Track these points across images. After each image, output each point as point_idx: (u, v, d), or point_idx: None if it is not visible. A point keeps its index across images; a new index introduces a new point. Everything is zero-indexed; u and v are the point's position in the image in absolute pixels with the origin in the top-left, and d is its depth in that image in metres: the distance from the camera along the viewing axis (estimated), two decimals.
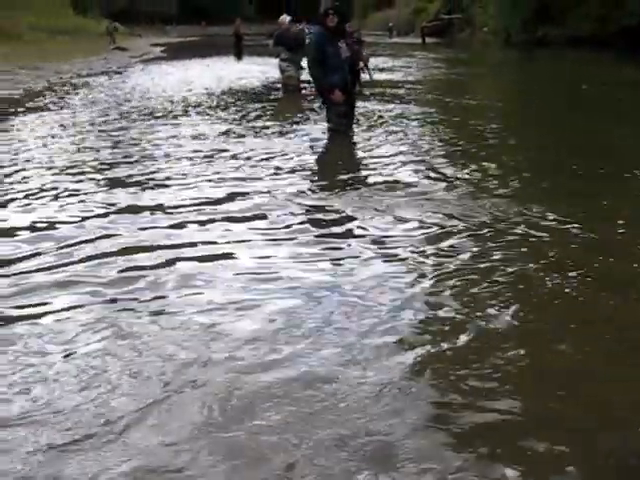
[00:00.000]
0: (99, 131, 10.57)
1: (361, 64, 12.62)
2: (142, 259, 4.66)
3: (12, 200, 6.38)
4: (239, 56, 28.86)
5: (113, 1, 74.84)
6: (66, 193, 6.58)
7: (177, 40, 56.25)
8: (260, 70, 21.14)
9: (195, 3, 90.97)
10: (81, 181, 7.16)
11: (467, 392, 3.01)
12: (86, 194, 6.53)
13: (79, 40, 34.85)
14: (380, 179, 6.89)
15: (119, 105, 13.96)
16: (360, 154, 8.38)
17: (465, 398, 2.96)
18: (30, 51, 25.17)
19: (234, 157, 8.19)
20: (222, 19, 68.94)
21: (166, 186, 6.83)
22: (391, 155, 8.12)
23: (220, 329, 3.61)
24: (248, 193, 6.41)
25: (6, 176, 7.38)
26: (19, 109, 13.49)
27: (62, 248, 4.93)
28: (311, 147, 8.72)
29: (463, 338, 3.46)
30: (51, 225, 5.54)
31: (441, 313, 3.76)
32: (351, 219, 5.53)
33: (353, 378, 3.09)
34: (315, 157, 8.35)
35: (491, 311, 3.75)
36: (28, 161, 8.26)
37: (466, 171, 7.24)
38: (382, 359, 3.26)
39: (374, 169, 7.42)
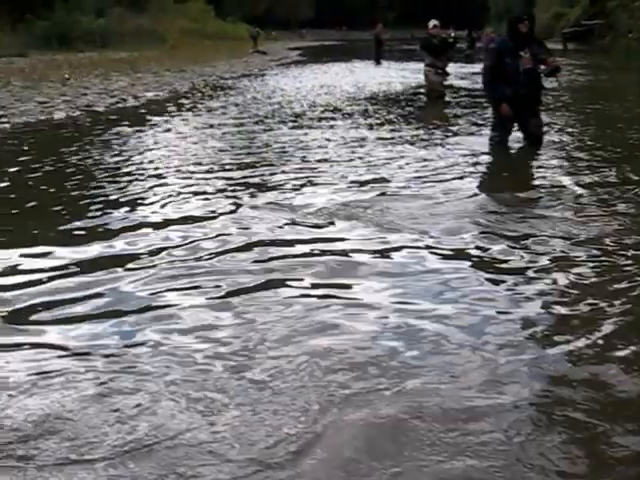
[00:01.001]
0: (238, 132, 10.62)
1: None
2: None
3: (148, 200, 6.40)
4: (378, 61, 28.74)
5: (252, 6, 76.52)
6: (201, 194, 6.56)
7: (314, 44, 56.75)
8: (400, 75, 20.85)
9: (333, 7, 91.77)
10: (216, 180, 7.16)
11: None
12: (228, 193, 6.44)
13: (221, 44, 35.65)
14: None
15: (259, 107, 14.02)
16: (524, 165, 7.90)
17: None
18: (177, 54, 25.92)
19: (386, 164, 7.90)
20: (361, 23, 69.16)
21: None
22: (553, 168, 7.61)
23: None
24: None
25: (143, 177, 7.46)
26: (163, 110, 13.79)
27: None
28: (475, 164, 8.08)
29: None
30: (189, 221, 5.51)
31: None
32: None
33: None
34: (481, 170, 7.82)
35: None
36: (164, 159, 8.42)
37: None
38: None
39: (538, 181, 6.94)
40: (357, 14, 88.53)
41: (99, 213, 5.96)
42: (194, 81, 20.02)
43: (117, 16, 34.32)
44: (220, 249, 4.79)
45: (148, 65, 22.24)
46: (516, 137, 8.52)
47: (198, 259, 4.61)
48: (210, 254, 4.70)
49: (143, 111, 13.87)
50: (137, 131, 11.15)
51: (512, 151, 8.47)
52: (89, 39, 28.95)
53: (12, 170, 8.12)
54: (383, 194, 6.38)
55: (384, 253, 4.70)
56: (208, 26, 41.79)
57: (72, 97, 14.74)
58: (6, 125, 11.90)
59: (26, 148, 9.89)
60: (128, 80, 18.30)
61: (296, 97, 15.87)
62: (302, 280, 4.24)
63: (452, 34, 15.81)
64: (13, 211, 6.19)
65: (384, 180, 6.97)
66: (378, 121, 11.66)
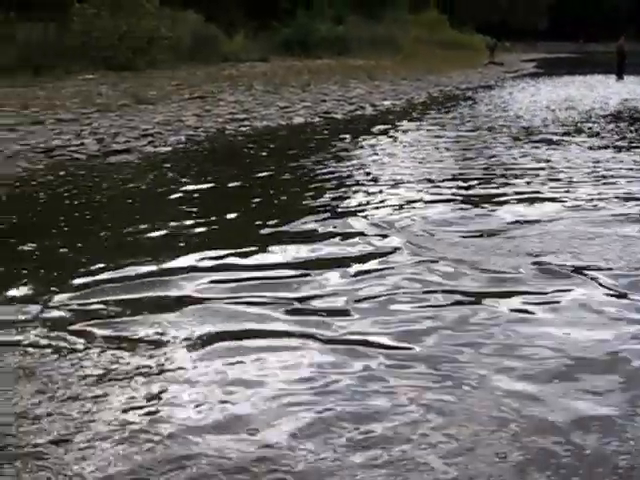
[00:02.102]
0: (473, 146, 10.21)
1: None
2: None
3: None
4: (620, 75, 26.65)
5: (485, 16, 75.02)
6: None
7: (549, 56, 54.42)
8: None
9: (568, 19, 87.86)
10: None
11: None
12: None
13: (455, 53, 34.95)
14: None
15: (495, 119, 13.31)
16: None
17: None
18: (411, 63, 25.60)
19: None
20: (597, 35, 65.52)
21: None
22: None
23: None
24: None
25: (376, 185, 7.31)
26: (399, 120, 13.39)
27: None
28: None
29: None
30: None
31: None
32: None
33: None
34: None
35: None
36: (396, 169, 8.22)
37: None
38: None
39: None
40: (593, 26, 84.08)
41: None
42: (430, 91, 19.54)
43: (354, 24, 34.67)
44: None
45: (384, 73, 22.04)
46: None
47: None
48: None
49: (380, 120, 13.57)
50: (372, 140, 10.94)
51: None
52: (327, 46, 29.35)
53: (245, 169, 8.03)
54: None
55: None
56: (442, 35, 41.23)
57: (312, 103, 14.75)
58: (248, 128, 11.99)
59: (264, 154, 9.85)
60: (365, 88, 18.15)
61: (533, 111, 14.89)
62: None
63: None
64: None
65: None
66: (630, 143, 10.50)
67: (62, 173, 8.44)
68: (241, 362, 3.36)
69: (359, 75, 20.79)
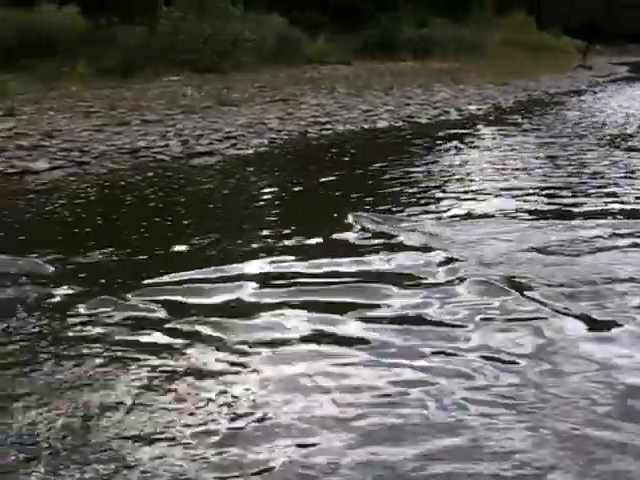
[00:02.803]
0: (561, 153, 9.87)
1: None
2: None
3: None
4: None
5: (573, 18, 73.12)
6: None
7: None
8: None
9: None
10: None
11: None
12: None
13: (541, 56, 34.07)
14: None
15: (587, 126, 12.87)
16: None
17: None
18: (497, 66, 25.04)
19: None
20: None
21: None
22: None
23: None
24: None
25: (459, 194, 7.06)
26: (485, 125, 13.07)
27: None
28: None
29: None
30: None
31: None
32: None
33: None
34: None
35: None
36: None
37: None
38: None
39: None
40: None
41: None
42: (517, 95, 19.05)
43: (438, 26, 34.22)
44: None
45: (469, 76, 21.61)
46: None
47: None
48: None
49: (465, 125, 13.26)
50: (457, 146, 10.70)
51: None
52: (411, 49, 29.02)
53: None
54: None
55: None
56: (529, 37, 40.27)
57: (395, 107, 14.55)
58: (330, 132, 11.89)
59: (347, 159, 9.74)
60: (450, 91, 17.82)
61: (627, 118, 14.34)
62: None
63: None
64: None
65: None
66: None
67: (149, 174, 8.51)
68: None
69: (443, 78, 20.44)
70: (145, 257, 5.29)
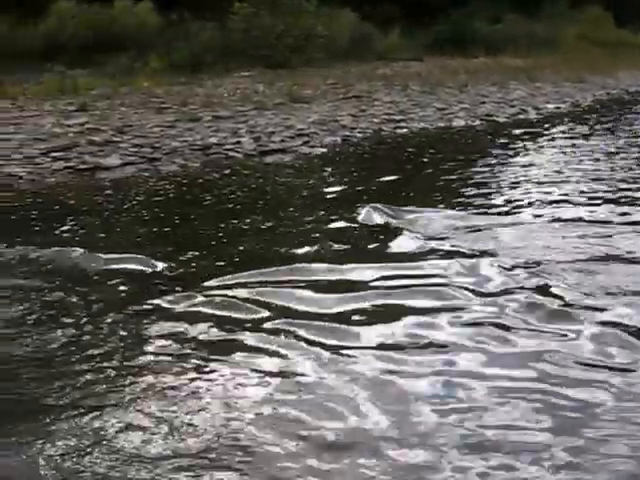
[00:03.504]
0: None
1: None
2: None
3: None
4: None
5: None
6: None
7: None
8: None
9: None
10: None
11: None
12: None
13: (619, 53, 33.02)
14: None
15: None
16: None
17: None
18: (572, 62, 24.30)
19: None
20: None
21: None
22: None
23: None
24: None
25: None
26: (563, 125, 12.55)
27: None
28: None
29: None
30: None
31: None
32: None
33: None
34: None
35: None
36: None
37: None
38: None
39: None
40: None
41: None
42: (595, 93, 18.36)
43: (511, 22, 33.46)
44: None
45: (544, 73, 20.93)
46: None
47: None
48: None
49: (544, 124, 12.78)
50: (536, 147, 10.39)
51: None
52: (483, 45, 28.40)
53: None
54: None
55: None
56: (606, 33, 39.09)
57: (470, 105, 14.11)
58: (404, 130, 11.56)
59: (424, 160, 9.40)
60: (526, 89, 17.24)
61: None
62: None
63: None
64: None
65: None
66: None
67: (226, 172, 8.35)
68: None
69: (518, 75, 19.83)
70: (225, 258, 5.18)
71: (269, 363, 3.46)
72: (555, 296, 4.19)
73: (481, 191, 7.37)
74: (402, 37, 25.68)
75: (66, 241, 5.56)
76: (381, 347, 3.63)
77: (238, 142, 9.84)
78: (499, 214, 6.36)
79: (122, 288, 4.54)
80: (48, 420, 2.94)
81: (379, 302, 4.26)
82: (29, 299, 4.27)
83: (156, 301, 4.26)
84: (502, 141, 10.85)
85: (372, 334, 3.78)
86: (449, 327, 3.85)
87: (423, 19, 28.91)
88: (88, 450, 2.70)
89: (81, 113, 11.41)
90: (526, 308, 4.04)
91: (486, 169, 8.65)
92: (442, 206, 6.68)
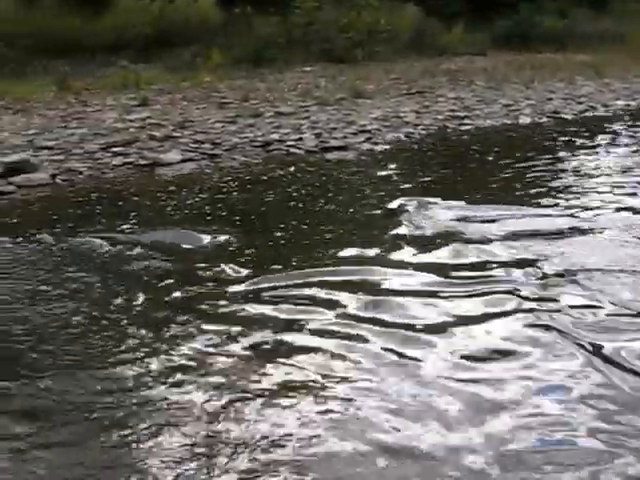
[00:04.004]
0: None
1: None
2: None
3: None
4: None
5: None
6: None
7: None
8: None
9: None
10: None
11: None
12: None
13: None
14: None
15: None
16: None
17: None
18: None
19: None
20: None
21: None
22: None
23: None
24: None
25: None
26: (631, 123, 12.05)
27: None
28: None
29: None
30: None
31: None
32: None
33: None
34: None
35: None
36: None
37: None
38: None
39: None
40: None
41: None
42: None
43: (578, 17, 32.65)
44: None
45: (612, 69, 20.28)
46: None
47: None
48: None
49: (614, 122, 12.30)
50: (605, 147, 9.94)
51: None
52: (549, 40, 27.74)
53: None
54: None
55: None
56: None
57: (537, 101, 13.70)
58: (469, 127, 11.25)
59: (490, 158, 9.10)
60: (594, 86, 16.69)
61: None
62: None
63: None
64: None
65: None
66: None
67: (291, 169, 8.22)
68: None
69: (585, 71, 19.25)
70: (290, 256, 5.13)
71: (340, 366, 3.45)
72: None
73: (546, 191, 7.14)
74: (466, 32, 25.24)
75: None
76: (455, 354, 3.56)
77: (300, 138, 9.69)
78: (561, 216, 6.07)
79: None
80: None
81: (447, 307, 4.15)
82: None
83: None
84: (569, 139, 10.46)
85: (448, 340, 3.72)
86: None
87: (487, 13, 28.39)
88: None
89: (143, 108, 11.42)
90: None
91: (552, 168, 8.36)
92: (511, 207, 6.41)
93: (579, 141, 10.28)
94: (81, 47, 14.67)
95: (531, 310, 4.05)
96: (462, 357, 3.52)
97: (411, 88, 14.28)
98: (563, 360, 3.47)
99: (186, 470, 2.66)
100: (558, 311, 4.02)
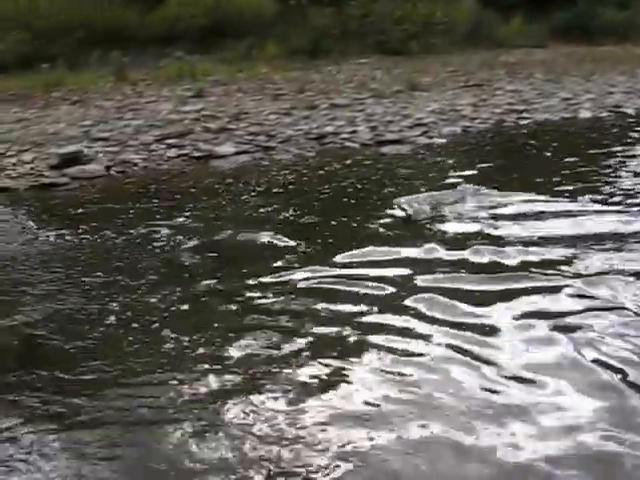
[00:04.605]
0: None
1: None
2: None
3: None
4: None
5: None
6: None
7: None
8: None
9: None
10: None
11: None
12: None
13: None
14: None
15: None
16: None
17: None
18: None
19: None
20: None
21: None
22: None
23: None
24: None
25: None
26: None
27: None
28: None
29: None
30: None
31: None
32: None
33: None
34: None
35: None
36: None
37: None
38: None
39: None
40: None
41: None
42: None
43: None
44: None
45: None
46: None
47: None
48: None
49: None
50: None
51: None
52: (609, 32, 27.07)
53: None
54: None
55: None
56: None
57: (597, 95, 13.34)
58: (528, 121, 11.01)
59: (547, 153, 8.87)
60: None
61: None
62: None
63: None
64: None
65: None
66: None
67: (347, 162, 8.15)
68: None
69: None
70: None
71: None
72: None
73: (610, 190, 6.89)
74: (523, 23, 24.79)
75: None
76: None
77: (354, 131, 9.60)
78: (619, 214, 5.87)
79: None
80: None
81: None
82: None
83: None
84: (630, 134, 10.15)
85: None
86: None
87: (545, 5, 27.84)
88: None
89: (198, 99, 11.45)
90: None
91: (613, 165, 8.10)
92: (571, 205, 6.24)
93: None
94: (135, 38, 14.76)
95: None
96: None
97: (468, 81, 14.05)
98: None
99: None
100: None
